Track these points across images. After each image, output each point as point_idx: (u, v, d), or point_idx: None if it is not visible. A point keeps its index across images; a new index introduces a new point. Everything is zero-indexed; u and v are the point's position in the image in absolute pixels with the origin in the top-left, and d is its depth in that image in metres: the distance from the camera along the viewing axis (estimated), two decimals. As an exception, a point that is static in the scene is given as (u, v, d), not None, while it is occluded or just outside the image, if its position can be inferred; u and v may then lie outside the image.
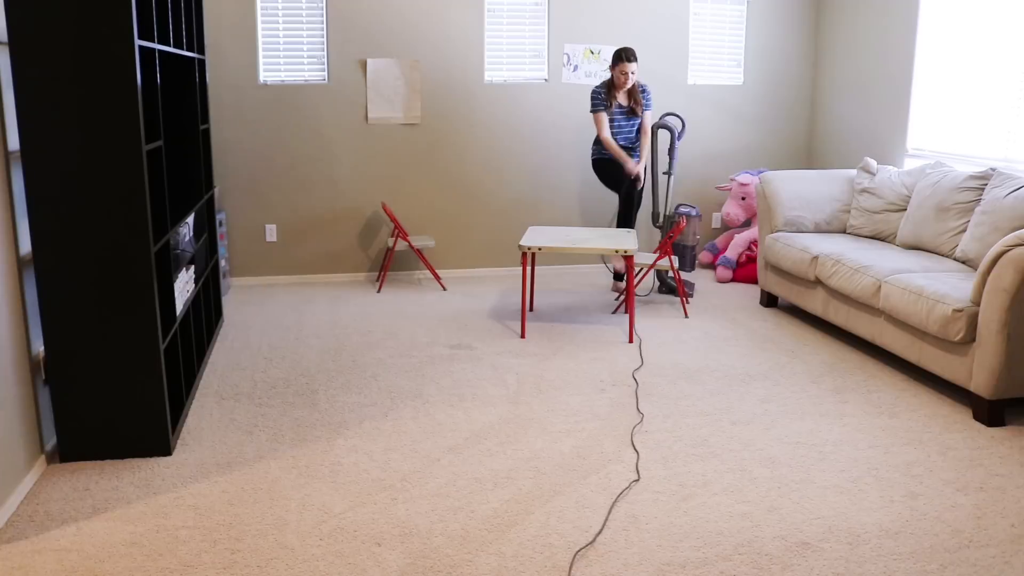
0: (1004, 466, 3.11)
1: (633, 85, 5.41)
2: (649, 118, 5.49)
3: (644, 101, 5.46)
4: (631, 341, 4.56)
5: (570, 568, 2.44)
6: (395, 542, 2.58)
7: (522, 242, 4.55)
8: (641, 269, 5.47)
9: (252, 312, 5.16)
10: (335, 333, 4.72)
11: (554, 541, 2.58)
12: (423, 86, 5.87)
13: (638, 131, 5.53)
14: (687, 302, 5.25)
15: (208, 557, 2.49)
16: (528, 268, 5.66)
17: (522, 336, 4.66)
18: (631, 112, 5.46)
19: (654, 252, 5.16)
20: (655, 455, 3.19)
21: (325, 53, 5.71)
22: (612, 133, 5.48)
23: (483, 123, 6.00)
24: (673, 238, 5.15)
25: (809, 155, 6.63)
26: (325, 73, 5.74)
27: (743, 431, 3.41)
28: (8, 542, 2.57)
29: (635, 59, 5.32)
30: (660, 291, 5.67)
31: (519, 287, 5.79)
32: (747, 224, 6.25)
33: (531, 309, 5.20)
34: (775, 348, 4.47)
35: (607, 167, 5.52)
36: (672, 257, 5.14)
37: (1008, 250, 3.41)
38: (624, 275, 5.67)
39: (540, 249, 4.48)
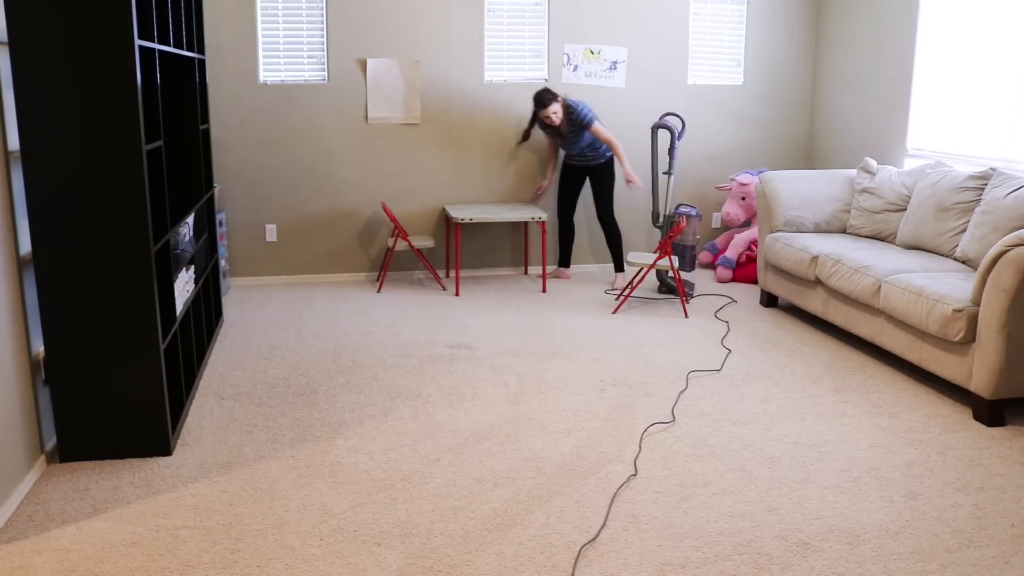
0: (1004, 466, 3.11)
1: (564, 118, 5.53)
2: (598, 129, 5.53)
3: (581, 120, 5.50)
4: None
5: (575, 564, 2.44)
6: (395, 542, 2.58)
7: (452, 214, 5.56)
8: (642, 269, 5.49)
9: (252, 312, 5.16)
10: (335, 333, 4.72)
11: (554, 541, 2.59)
12: (423, 86, 5.87)
13: (589, 145, 5.65)
14: (687, 302, 5.25)
15: (208, 557, 2.49)
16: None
17: (456, 294, 5.51)
18: (569, 136, 5.63)
19: (654, 252, 5.23)
20: (655, 455, 3.19)
21: (325, 53, 5.71)
22: (563, 154, 5.90)
23: (483, 123, 6.00)
24: (673, 238, 5.17)
25: (809, 155, 6.63)
26: (325, 73, 5.74)
27: (743, 431, 3.41)
28: (8, 542, 2.57)
29: (551, 100, 5.46)
30: (660, 291, 5.67)
31: (519, 287, 5.80)
32: (747, 224, 6.25)
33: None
34: (775, 348, 4.47)
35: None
36: (672, 257, 5.15)
37: (1008, 250, 3.41)
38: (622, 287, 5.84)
39: (471, 220, 5.47)
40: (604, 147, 5.68)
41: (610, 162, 5.74)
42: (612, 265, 6.39)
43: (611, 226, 5.80)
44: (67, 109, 2.85)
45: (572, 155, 5.76)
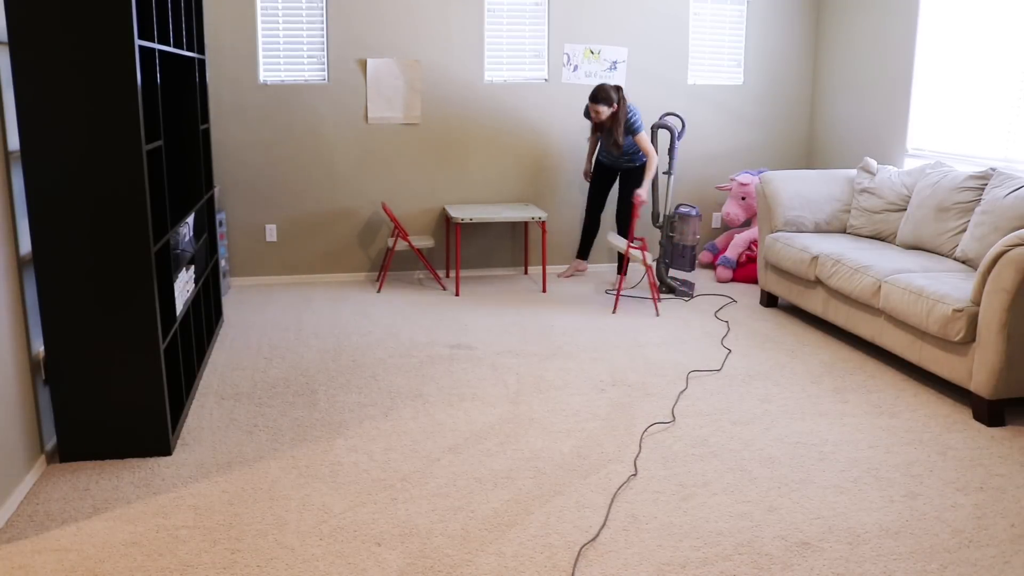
0: (1004, 466, 3.11)
1: (614, 117, 5.47)
2: (642, 139, 5.48)
3: (630, 125, 5.48)
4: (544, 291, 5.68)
5: (575, 564, 2.44)
6: (395, 542, 2.58)
7: (452, 214, 5.59)
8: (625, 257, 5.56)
9: (252, 312, 5.16)
10: (335, 333, 4.72)
11: (554, 541, 2.59)
12: (423, 86, 5.87)
13: (630, 151, 5.66)
14: (659, 300, 5.27)
15: (208, 557, 2.49)
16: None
17: (456, 294, 5.53)
18: (614, 139, 5.58)
19: (629, 242, 5.31)
20: (655, 455, 3.19)
21: (325, 53, 5.71)
22: (598, 149, 5.88)
23: (483, 123, 6.00)
24: (634, 222, 5.48)
25: (809, 155, 6.63)
26: (325, 73, 5.74)
27: (743, 431, 3.41)
28: (8, 542, 2.57)
29: (602, 100, 5.39)
30: (660, 291, 5.67)
31: (519, 287, 5.80)
32: (747, 224, 6.25)
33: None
34: (775, 348, 4.47)
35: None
36: (645, 252, 5.17)
37: (1008, 250, 3.41)
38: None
39: (471, 220, 5.49)
40: (639, 153, 5.67)
41: (643, 168, 5.71)
42: (601, 268, 6.40)
43: (627, 228, 5.84)
44: (67, 109, 2.85)
45: (608, 155, 5.77)
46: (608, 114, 5.45)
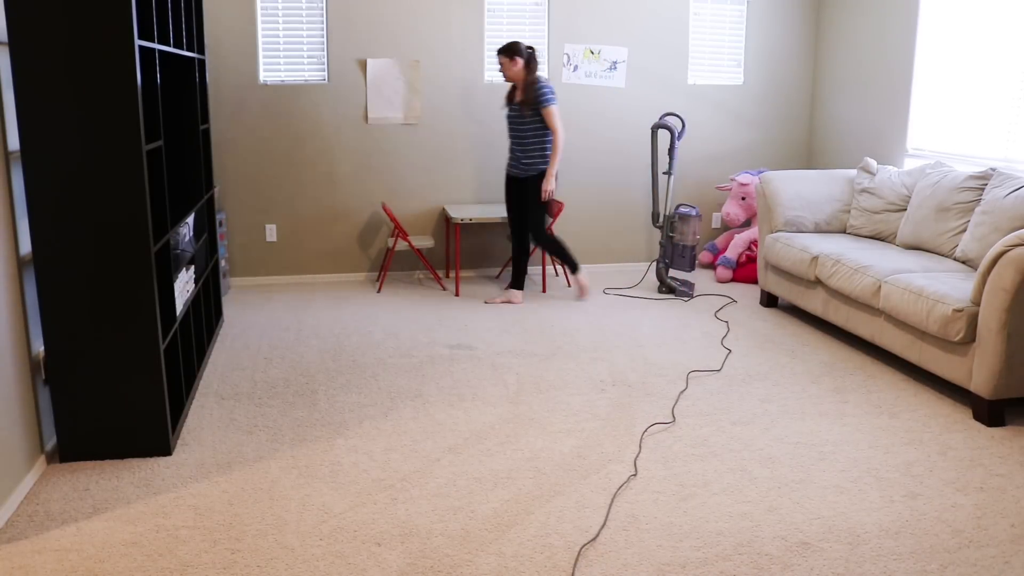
0: (1004, 466, 3.11)
1: (525, 81, 5.03)
2: (551, 112, 4.98)
3: (538, 95, 4.97)
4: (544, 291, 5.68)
5: (575, 564, 2.44)
6: (395, 542, 2.58)
7: (452, 214, 5.58)
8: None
9: (252, 312, 5.16)
10: (335, 333, 4.72)
11: (554, 541, 2.58)
12: (423, 86, 5.87)
13: (531, 131, 5.09)
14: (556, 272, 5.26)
15: (208, 557, 2.49)
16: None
17: (456, 294, 5.55)
18: (520, 108, 5.09)
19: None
20: (655, 455, 3.19)
21: (325, 53, 5.71)
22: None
23: (483, 123, 6.00)
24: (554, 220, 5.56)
25: (809, 155, 6.63)
26: (325, 73, 5.74)
27: (743, 431, 3.41)
28: (8, 542, 2.57)
29: (504, 53, 4.99)
30: (660, 291, 5.67)
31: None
32: (747, 224, 6.25)
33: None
34: (775, 348, 4.47)
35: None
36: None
37: (1008, 250, 3.41)
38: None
39: (471, 220, 5.48)
40: (538, 160, 5.09)
41: (541, 176, 5.10)
42: (601, 268, 6.39)
43: (522, 246, 5.28)
44: (67, 109, 2.85)
45: (512, 155, 5.19)
46: (513, 70, 4.99)
